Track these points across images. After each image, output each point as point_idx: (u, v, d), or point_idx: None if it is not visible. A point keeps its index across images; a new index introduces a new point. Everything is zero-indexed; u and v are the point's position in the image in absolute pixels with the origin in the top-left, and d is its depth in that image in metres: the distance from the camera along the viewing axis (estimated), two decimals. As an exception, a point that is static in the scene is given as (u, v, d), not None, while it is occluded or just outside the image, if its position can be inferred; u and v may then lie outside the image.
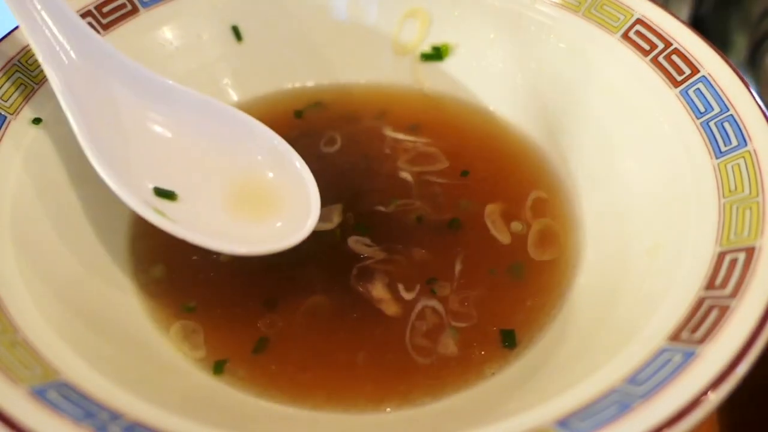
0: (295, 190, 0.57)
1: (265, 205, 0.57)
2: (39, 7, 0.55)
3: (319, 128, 0.71)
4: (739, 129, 0.53)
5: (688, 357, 0.41)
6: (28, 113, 0.57)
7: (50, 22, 0.55)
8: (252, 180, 0.58)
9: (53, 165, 0.57)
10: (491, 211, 0.63)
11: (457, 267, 0.59)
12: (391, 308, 0.57)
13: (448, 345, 0.55)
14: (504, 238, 0.62)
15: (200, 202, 0.56)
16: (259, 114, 0.61)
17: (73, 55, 0.56)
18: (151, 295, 0.57)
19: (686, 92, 0.58)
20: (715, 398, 0.38)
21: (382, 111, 0.72)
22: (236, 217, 0.56)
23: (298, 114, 0.72)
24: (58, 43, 0.55)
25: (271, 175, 0.58)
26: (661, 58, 0.60)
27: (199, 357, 0.54)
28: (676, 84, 0.58)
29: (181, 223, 0.53)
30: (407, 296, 0.57)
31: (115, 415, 0.40)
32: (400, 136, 0.70)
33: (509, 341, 0.55)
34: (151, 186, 0.54)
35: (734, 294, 0.44)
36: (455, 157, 0.68)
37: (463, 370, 0.53)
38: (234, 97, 0.72)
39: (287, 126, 0.68)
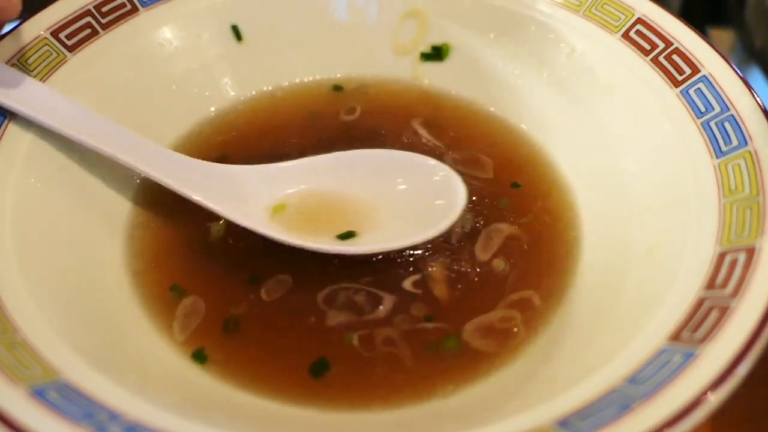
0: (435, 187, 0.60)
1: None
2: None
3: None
4: (740, 129, 0.53)
5: (688, 357, 0.41)
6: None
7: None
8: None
9: (53, 164, 0.57)
10: (498, 230, 0.61)
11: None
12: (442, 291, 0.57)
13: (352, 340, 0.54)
14: (483, 256, 0.59)
15: (370, 228, 0.60)
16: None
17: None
18: (150, 295, 0.57)
19: (687, 92, 0.58)
20: (715, 398, 0.38)
21: (386, 109, 0.72)
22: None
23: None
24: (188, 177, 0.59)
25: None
26: (661, 58, 0.60)
27: (203, 358, 0.54)
28: (676, 84, 0.58)
29: (368, 245, 0.58)
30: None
31: (114, 415, 0.40)
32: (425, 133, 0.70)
33: (316, 372, 0.52)
34: (334, 234, 0.58)
35: (734, 294, 0.44)
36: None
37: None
38: (234, 97, 0.72)
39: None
